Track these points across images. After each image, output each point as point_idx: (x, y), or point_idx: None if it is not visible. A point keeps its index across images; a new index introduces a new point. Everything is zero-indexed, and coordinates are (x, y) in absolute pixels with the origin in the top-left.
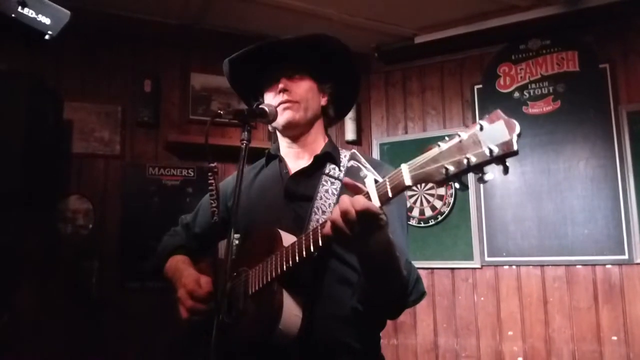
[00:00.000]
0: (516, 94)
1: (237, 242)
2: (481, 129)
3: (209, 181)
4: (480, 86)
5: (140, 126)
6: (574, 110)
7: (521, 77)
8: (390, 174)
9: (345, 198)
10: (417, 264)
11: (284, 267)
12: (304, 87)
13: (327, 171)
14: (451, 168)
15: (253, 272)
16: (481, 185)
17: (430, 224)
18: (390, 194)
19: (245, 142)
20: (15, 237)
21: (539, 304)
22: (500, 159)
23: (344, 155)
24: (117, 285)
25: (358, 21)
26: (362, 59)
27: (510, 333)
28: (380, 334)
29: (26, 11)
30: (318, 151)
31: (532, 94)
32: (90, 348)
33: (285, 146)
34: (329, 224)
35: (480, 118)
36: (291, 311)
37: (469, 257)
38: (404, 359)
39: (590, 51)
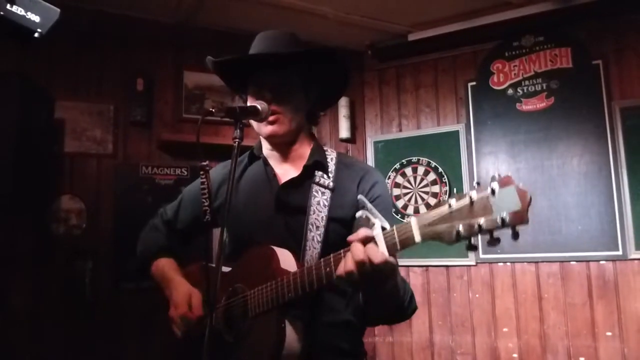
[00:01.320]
0: (510, 91)
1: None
2: (493, 193)
3: (201, 179)
4: (474, 83)
5: (133, 125)
6: (567, 107)
7: (515, 74)
8: (399, 225)
9: (359, 248)
10: (411, 261)
11: (286, 297)
12: (289, 100)
13: (317, 180)
14: (462, 231)
15: (252, 295)
16: (474, 183)
17: None
18: (399, 247)
19: (237, 140)
20: (7, 238)
21: (534, 301)
22: (510, 227)
23: (330, 158)
24: (110, 285)
25: (352, 19)
26: (356, 57)
27: (505, 330)
28: (375, 332)
29: (15, 9)
30: (304, 155)
31: (525, 90)
32: (84, 348)
33: (268, 148)
34: (342, 271)
35: (492, 180)
36: (293, 337)
37: (464, 254)
38: (400, 357)
39: (583, 48)
